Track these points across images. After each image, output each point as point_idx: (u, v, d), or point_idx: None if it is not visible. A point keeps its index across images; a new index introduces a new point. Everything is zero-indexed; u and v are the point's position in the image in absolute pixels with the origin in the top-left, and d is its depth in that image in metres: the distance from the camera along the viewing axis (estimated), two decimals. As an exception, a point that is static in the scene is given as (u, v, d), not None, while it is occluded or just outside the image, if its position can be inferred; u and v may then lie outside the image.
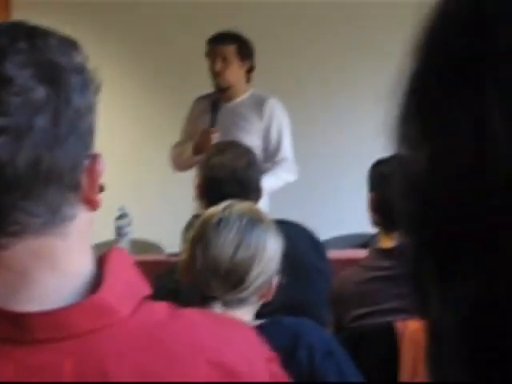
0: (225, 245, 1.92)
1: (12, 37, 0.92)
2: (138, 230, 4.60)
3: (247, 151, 2.94)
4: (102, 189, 0.98)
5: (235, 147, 2.96)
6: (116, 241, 4.30)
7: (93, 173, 0.96)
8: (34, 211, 0.91)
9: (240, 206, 2.02)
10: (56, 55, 0.92)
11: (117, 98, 5.82)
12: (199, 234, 1.96)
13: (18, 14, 5.88)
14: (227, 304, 1.90)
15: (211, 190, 2.76)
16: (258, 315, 1.99)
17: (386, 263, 2.51)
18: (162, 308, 0.98)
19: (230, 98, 4.46)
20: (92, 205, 0.97)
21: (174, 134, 4.62)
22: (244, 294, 1.91)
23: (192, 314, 1.02)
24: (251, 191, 2.80)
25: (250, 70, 4.49)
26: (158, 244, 4.89)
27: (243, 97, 4.48)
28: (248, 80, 4.51)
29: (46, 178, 0.90)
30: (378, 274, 2.53)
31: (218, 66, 4.38)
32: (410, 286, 0.45)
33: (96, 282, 0.95)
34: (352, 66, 5.85)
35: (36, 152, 0.89)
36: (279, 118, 4.45)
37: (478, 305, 0.40)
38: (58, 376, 0.90)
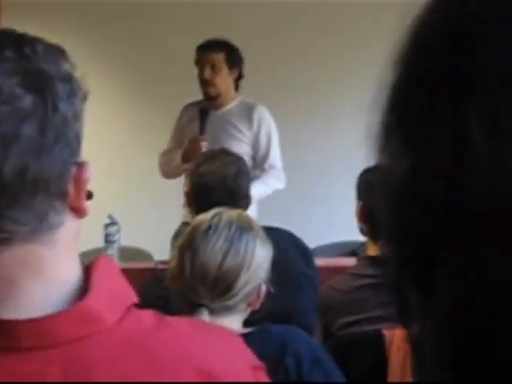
0: (213, 252, 1.92)
1: None
2: (127, 238, 4.59)
3: (237, 159, 2.95)
4: (90, 196, 0.98)
5: (225, 155, 2.96)
6: (105, 248, 4.29)
7: (80, 180, 0.96)
8: (20, 219, 0.91)
9: (229, 213, 2.02)
10: (43, 63, 0.92)
11: (106, 105, 5.82)
12: (188, 242, 1.96)
13: (7, 16, 5.86)
14: (215, 311, 1.90)
15: (200, 198, 2.76)
16: (246, 323, 1.99)
17: (374, 271, 2.51)
18: (148, 316, 0.98)
19: (218, 106, 4.46)
20: (79, 212, 0.96)
21: (164, 142, 4.62)
22: (232, 302, 1.91)
23: (179, 322, 1.02)
24: (240, 199, 2.80)
25: (238, 78, 4.50)
26: (148, 251, 4.88)
27: (232, 104, 4.48)
28: (237, 88, 4.52)
29: (32, 186, 0.90)
30: (366, 281, 2.53)
31: (207, 73, 4.38)
32: (391, 296, 0.45)
33: (83, 290, 0.94)
34: (340, 75, 5.87)
35: (23, 160, 0.89)
36: (268, 126, 4.46)
37: (455, 315, 0.40)
38: (45, 384, 0.90)
